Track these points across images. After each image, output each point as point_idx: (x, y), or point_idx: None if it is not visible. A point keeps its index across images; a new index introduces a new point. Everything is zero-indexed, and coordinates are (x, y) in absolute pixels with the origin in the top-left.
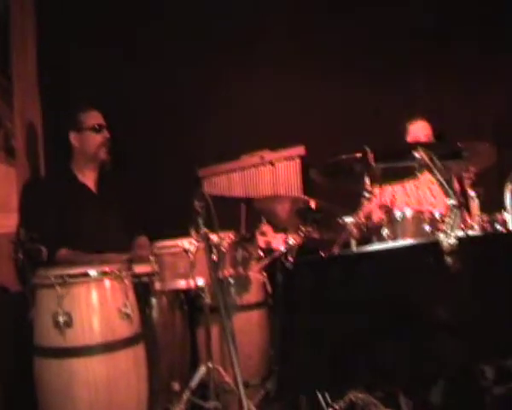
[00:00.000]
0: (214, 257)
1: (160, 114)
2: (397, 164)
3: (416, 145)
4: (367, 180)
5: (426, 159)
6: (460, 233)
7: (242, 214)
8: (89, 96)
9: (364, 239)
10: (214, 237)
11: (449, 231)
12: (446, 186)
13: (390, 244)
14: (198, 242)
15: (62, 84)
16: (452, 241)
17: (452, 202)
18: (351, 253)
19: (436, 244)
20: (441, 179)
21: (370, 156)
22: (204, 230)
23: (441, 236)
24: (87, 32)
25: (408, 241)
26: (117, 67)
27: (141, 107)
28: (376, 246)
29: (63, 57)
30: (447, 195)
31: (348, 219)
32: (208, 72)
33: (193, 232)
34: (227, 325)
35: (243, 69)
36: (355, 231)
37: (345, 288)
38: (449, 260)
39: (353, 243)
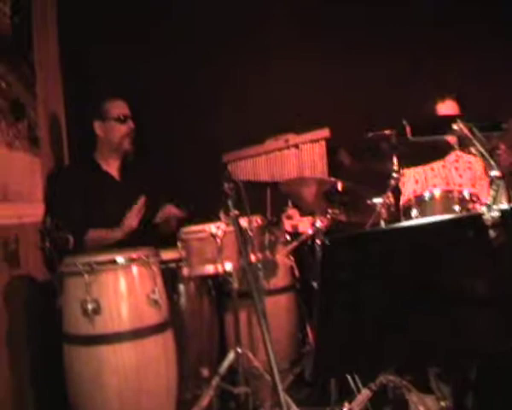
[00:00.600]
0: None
1: (181, 101)
2: (435, 138)
3: (455, 117)
4: (395, 160)
5: (465, 130)
6: (504, 205)
7: (268, 199)
8: (111, 85)
9: (393, 220)
10: (243, 221)
11: (492, 204)
12: (488, 157)
13: (430, 218)
14: (227, 225)
15: (85, 73)
16: (496, 213)
17: (495, 173)
18: (390, 227)
19: (478, 217)
20: (483, 151)
21: (408, 130)
22: (235, 212)
23: (483, 209)
24: (110, 20)
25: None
26: (139, 55)
27: (162, 94)
28: (416, 220)
29: (85, 45)
30: (489, 166)
31: (377, 200)
32: (228, 57)
33: (222, 215)
34: (260, 310)
35: (265, 53)
36: (384, 211)
37: (384, 263)
38: (492, 233)
39: (382, 224)
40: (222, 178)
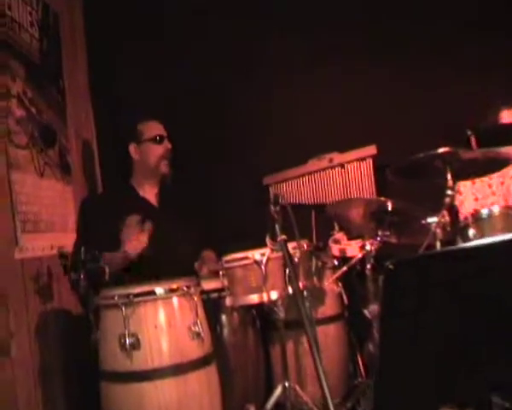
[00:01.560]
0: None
1: (219, 123)
2: (500, 148)
3: None
4: (449, 176)
5: None
6: None
7: (313, 222)
8: (145, 108)
9: (448, 241)
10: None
11: None
12: None
13: (500, 237)
14: (271, 251)
15: (115, 97)
16: None
17: None
18: (457, 248)
19: None
20: None
21: (473, 141)
22: (282, 237)
23: None
24: (139, 42)
25: None
26: (172, 77)
27: (198, 116)
28: (486, 239)
29: (114, 68)
30: None
31: (431, 220)
32: (269, 76)
33: (268, 241)
34: (312, 338)
35: (307, 70)
36: (439, 232)
37: (452, 287)
38: None
39: (438, 245)
40: (268, 202)
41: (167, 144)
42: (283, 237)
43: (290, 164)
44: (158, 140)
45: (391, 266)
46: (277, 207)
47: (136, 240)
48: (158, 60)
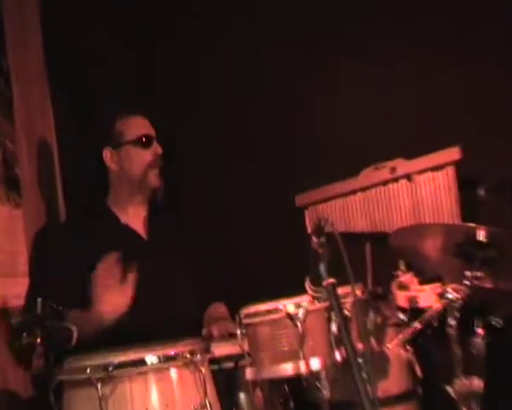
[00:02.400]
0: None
1: (234, 120)
2: None
3: None
4: None
5: None
6: None
7: (368, 258)
8: (125, 98)
9: None
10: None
11: None
12: None
13: None
14: (311, 301)
15: (85, 82)
16: None
17: None
18: None
19: None
20: None
21: None
22: (329, 280)
23: None
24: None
25: None
26: (168, 54)
27: (205, 110)
28: None
29: (83, 42)
30: None
31: None
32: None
33: (308, 285)
34: None
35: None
36: None
37: None
38: None
39: None
40: (307, 230)
41: (157, 148)
42: (331, 280)
43: (334, 177)
44: (144, 142)
45: (498, 324)
46: (322, 238)
47: (114, 295)
48: (144, 31)
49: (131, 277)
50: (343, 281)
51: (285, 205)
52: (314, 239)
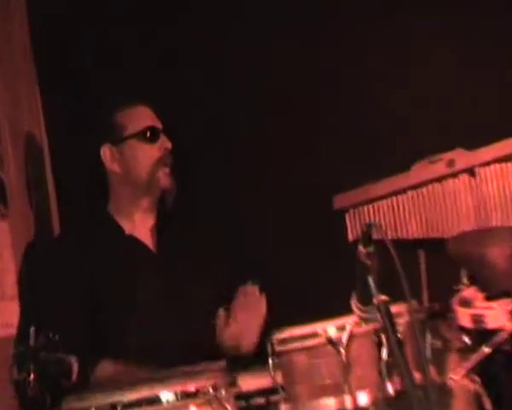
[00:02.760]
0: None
1: (258, 107)
2: None
3: None
4: None
5: None
6: None
7: (422, 269)
8: (126, 85)
9: None
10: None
11: None
12: None
13: None
14: (361, 322)
15: (79, 68)
16: None
17: None
18: None
19: None
20: None
21: None
22: (381, 297)
23: None
24: None
25: None
26: (176, 32)
27: (223, 98)
28: None
29: (77, 19)
30: None
31: None
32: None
33: (355, 304)
34: None
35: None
36: None
37: None
38: None
39: None
40: (355, 238)
41: (165, 141)
42: (383, 297)
43: (379, 174)
44: (149, 136)
45: None
46: (370, 247)
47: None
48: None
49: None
50: (393, 298)
51: (320, 208)
52: (361, 248)
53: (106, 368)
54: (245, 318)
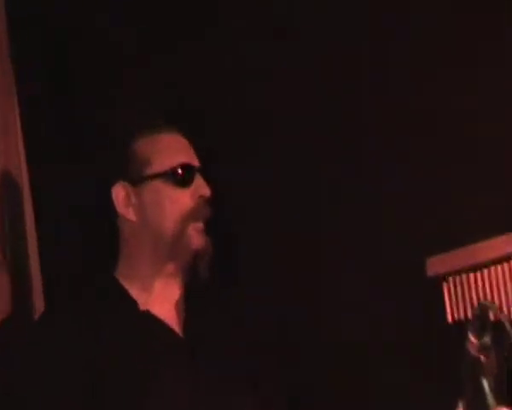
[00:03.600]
0: None
1: (325, 134)
2: None
3: None
4: None
5: None
6: None
7: None
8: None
9: None
10: None
11: None
12: None
13: None
14: None
15: (75, 67)
16: None
17: None
18: None
19: None
20: None
21: None
22: (501, 408)
23: None
24: None
25: None
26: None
27: (279, 126)
28: None
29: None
30: None
31: None
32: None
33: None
34: None
35: None
36: None
37: None
38: None
39: None
40: (459, 320)
41: (201, 186)
42: (503, 409)
43: (488, 230)
44: (181, 177)
45: None
46: (486, 337)
47: None
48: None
49: None
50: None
51: (407, 274)
52: (472, 338)
53: None
54: None
